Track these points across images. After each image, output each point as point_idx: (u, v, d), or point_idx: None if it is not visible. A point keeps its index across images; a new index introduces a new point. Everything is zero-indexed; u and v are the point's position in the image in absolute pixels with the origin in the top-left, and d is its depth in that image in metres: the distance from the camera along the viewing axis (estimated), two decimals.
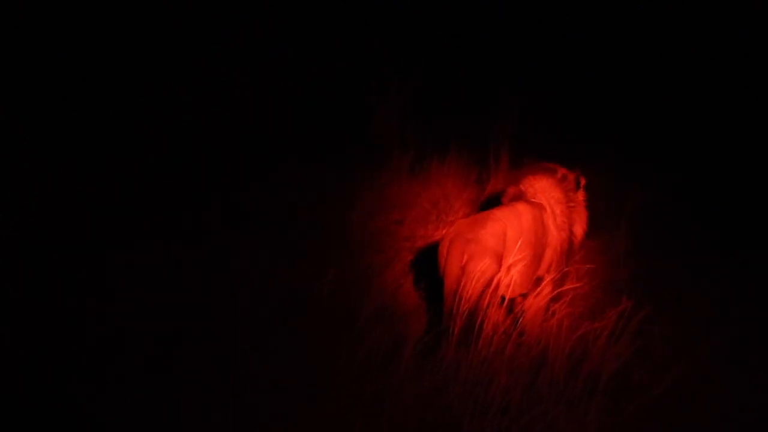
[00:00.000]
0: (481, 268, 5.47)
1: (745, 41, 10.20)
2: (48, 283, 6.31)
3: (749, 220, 7.63)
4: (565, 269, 6.22)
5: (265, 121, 9.42)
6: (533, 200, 5.98)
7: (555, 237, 5.99)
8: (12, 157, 8.04)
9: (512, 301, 6.01)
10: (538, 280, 6.03)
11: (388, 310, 6.37)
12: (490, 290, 5.44)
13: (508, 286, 5.61)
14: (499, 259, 5.50)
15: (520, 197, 6.03)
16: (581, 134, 9.17)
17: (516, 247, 5.54)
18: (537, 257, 5.85)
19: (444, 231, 5.84)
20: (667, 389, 5.34)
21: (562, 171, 6.23)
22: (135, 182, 7.95)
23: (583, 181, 6.35)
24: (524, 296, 5.93)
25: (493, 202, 6.75)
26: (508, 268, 5.56)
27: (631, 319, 5.76)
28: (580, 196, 6.28)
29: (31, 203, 7.38)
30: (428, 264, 6.47)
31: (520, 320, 5.77)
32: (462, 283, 5.49)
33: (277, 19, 11.51)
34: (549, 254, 5.98)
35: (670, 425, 5.21)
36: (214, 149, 8.64)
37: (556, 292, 5.93)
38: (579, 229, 6.22)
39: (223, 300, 6.18)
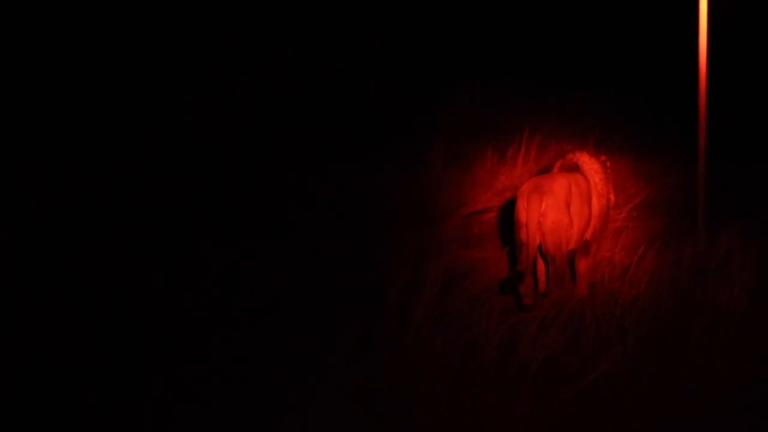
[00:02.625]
0: (556, 218, 6.03)
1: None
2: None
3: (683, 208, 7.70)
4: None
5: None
6: (584, 174, 6.50)
7: (597, 207, 6.47)
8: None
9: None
10: (586, 243, 6.49)
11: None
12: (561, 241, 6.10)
13: (569, 239, 6.24)
14: (569, 212, 6.06)
15: (573, 168, 6.55)
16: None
17: (572, 207, 6.13)
18: (586, 221, 6.34)
19: (522, 187, 6.28)
20: (597, 377, 5.35)
21: (603, 157, 6.85)
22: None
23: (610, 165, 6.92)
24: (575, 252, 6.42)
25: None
26: (570, 222, 6.16)
27: (562, 308, 5.88)
28: (611, 176, 6.82)
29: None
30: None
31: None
32: (538, 231, 6.04)
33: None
34: (594, 222, 6.44)
35: (599, 413, 5.17)
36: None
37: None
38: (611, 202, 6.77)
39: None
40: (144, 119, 9.74)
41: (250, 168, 8.92)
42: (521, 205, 6.12)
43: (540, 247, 6.20)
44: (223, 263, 7.02)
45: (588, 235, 6.46)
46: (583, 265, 6.60)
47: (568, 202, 6.13)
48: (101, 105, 9.82)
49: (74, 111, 9.57)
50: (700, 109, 7.19)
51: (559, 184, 6.16)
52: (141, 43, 10.85)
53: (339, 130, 10.05)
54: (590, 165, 6.61)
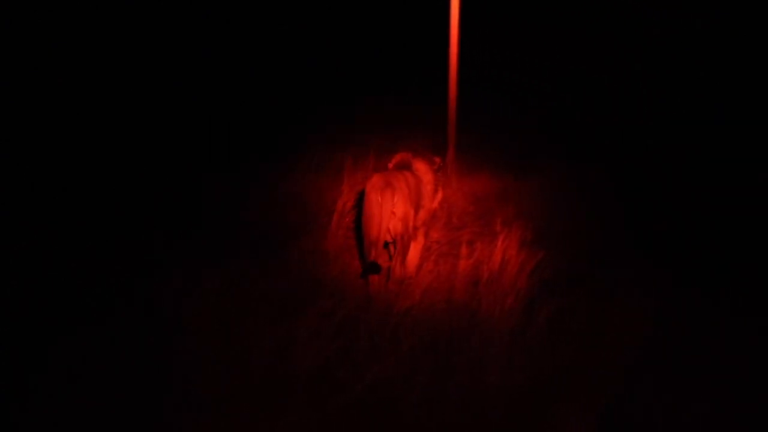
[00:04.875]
0: (405, 210, 6.42)
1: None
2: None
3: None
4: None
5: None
6: (415, 172, 6.91)
7: (427, 202, 6.96)
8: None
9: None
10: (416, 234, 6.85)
11: None
12: (408, 231, 6.54)
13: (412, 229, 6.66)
14: (411, 205, 6.51)
15: (404, 167, 6.94)
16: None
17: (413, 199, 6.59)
18: (416, 213, 6.71)
19: (370, 182, 6.45)
20: (369, 385, 5.32)
21: (437, 159, 7.34)
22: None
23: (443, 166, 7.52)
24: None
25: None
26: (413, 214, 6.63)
27: (332, 317, 5.87)
28: (441, 178, 7.33)
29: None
30: None
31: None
32: (389, 223, 6.37)
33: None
34: (423, 215, 6.92)
35: (372, 420, 5.13)
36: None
37: None
38: (436, 203, 7.27)
39: None
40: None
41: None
42: (374, 199, 6.32)
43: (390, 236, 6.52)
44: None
45: (418, 225, 6.85)
46: (412, 254, 6.89)
47: (410, 196, 6.47)
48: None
49: None
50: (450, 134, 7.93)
51: (403, 181, 6.49)
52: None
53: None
54: (420, 165, 7.03)
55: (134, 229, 7.59)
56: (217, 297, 6.22)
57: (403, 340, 5.82)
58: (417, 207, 6.71)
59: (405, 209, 6.43)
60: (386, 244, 6.62)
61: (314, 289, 6.50)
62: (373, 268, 6.32)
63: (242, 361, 5.51)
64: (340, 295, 6.41)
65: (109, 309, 6.17)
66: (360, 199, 6.82)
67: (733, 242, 7.66)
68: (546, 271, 6.64)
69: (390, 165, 7.09)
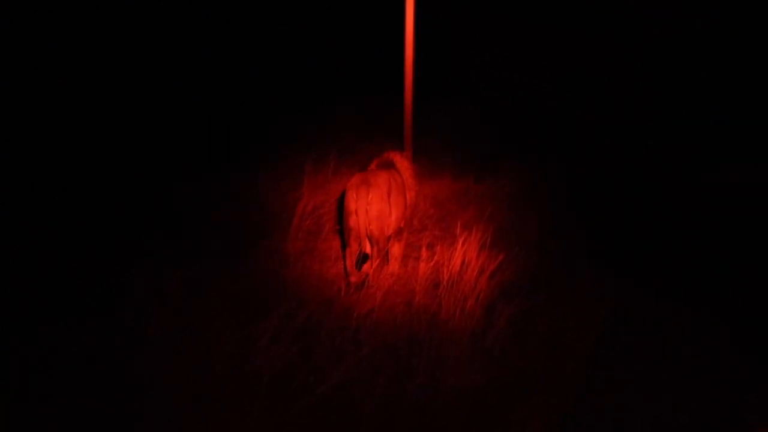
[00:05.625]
0: (380, 207, 6.68)
1: None
2: None
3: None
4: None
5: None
6: (397, 170, 7.24)
7: (408, 198, 7.18)
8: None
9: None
10: (399, 230, 7.08)
11: None
12: (384, 226, 6.77)
13: (389, 225, 6.89)
14: (389, 202, 6.78)
15: (388, 165, 7.26)
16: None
17: (391, 197, 6.85)
18: (402, 210, 7.03)
19: (350, 181, 6.71)
20: (331, 387, 5.30)
21: (407, 153, 7.79)
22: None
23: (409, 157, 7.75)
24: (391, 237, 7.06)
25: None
26: (390, 211, 6.88)
27: (294, 319, 5.81)
28: (416, 170, 7.60)
29: None
30: None
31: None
32: (365, 218, 6.65)
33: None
34: (406, 212, 7.15)
35: (334, 421, 5.12)
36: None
37: None
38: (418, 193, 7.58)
39: None
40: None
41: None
42: (351, 196, 6.69)
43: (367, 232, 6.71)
44: None
45: (402, 223, 7.11)
46: (396, 248, 7.20)
47: (388, 193, 6.76)
48: None
49: None
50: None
51: (382, 179, 6.79)
52: None
53: None
54: (401, 163, 7.33)
55: (99, 232, 7.56)
56: (182, 299, 6.19)
57: (364, 342, 5.82)
58: (402, 205, 6.93)
59: (380, 206, 6.62)
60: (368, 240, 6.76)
61: (276, 291, 6.50)
62: (364, 259, 6.58)
63: (207, 363, 5.48)
64: (302, 297, 6.39)
65: (73, 310, 6.12)
66: (337, 200, 7.07)
67: (688, 245, 7.75)
68: (506, 273, 6.69)
69: (373, 166, 7.26)
